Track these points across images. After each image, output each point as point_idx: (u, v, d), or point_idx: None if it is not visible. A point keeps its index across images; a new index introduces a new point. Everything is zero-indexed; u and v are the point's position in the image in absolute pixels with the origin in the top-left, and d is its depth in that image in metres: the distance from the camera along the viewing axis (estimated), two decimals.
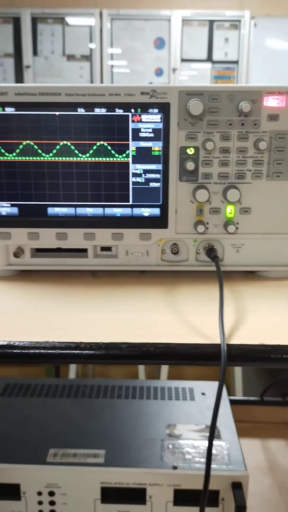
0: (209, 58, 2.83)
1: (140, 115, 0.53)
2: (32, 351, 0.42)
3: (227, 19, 2.77)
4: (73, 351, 0.42)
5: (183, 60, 2.83)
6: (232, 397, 0.97)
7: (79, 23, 2.79)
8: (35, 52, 2.83)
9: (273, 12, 2.75)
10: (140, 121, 0.53)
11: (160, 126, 0.54)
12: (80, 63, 2.85)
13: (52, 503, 0.69)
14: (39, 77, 2.85)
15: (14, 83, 0.53)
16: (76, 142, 0.54)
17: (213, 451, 0.71)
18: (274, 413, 1.03)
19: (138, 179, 0.55)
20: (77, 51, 2.84)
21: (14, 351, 0.42)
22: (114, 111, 0.53)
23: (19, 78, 2.86)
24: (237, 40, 2.80)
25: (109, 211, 0.57)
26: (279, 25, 2.76)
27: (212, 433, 0.41)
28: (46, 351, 0.42)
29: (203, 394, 0.86)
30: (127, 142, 0.54)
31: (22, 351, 0.42)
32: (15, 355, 0.42)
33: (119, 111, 0.53)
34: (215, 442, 0.73)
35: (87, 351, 0.42)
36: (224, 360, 0.40)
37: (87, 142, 0.54)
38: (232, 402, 0.88)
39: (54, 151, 0.54)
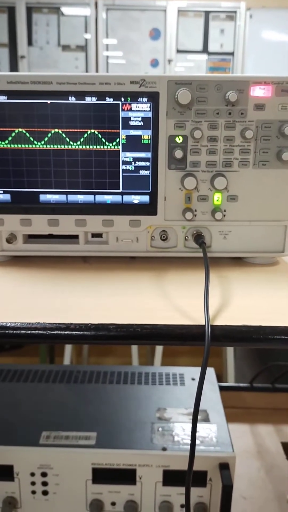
0: (205, 50, 2.83)
1: (130, 104, 0.54)
2: (24, 331, 0.43)
3: (223, 10, 2.77)
4: (63, 332, 0.44)
5: (178, 51, 2.83)
6: (222, 384, 0.99)
7: (75, 13, 2.78)
8: (30, 42, 2.82)
9: (269, 3, 2.75)
10: (130, 110, 0.55)
11: (149, 115, 0.55)
12: (75, 53, 2.84)
13: (44, 483, 0.70)
14: (34, 68, 2.84)
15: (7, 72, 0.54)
16: (68, 130, 0.55)
17: (202, 434, 0.73)
18: (263, 399, 1.05)
19: (128, 167, 0.57)
20: (72, 42, 2.82)
21: (7, 331, 0.43)
22: (105, 100, 0.54)
23: (13, 68, 2.84)
24: (233, 32, 2.80)
25: (99, 198, 0.58)
26: (274, 16, 2.76)
27: (197, 408, 0.43)
28: (37, 331, 0.44)
29: (193, 379, 0.88)
30: (117, 131, 0.55)
31: (14, 331, 0.43)
32: (7, 335, 0.43)
33: (109, 100, 0.54)
34: (204, 425, 0.75)
35: (76, 332, 0.44)
36: (208, 340, 0.42)
37: (78, 130, 0.55)
38: (222, 389, 0.89)
39: (46, 138, 0.56)
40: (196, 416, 0.44)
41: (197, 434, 0.73)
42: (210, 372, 0.91)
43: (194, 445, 0.47)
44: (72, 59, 2.85)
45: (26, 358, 2.35)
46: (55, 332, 0.43)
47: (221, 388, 0.87)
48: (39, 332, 0.43)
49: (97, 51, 2.82)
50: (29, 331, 0.43)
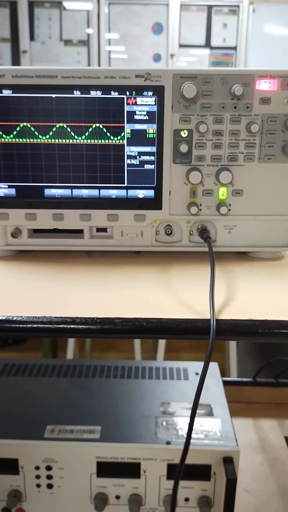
0: (208, 44, 2.81)
1: (135, 98, 0.54)
2: (30, 325, 0.44)
3: (225, 4, 2.75)
4: (69, 326, 0.44)
5: (181, 45, 2.81)
6: (226, 378, 0.99)
7: (77, 8, 2.77)
8: (32, 37, 2.81)
9: None
10: (135, 104, 0.55)
11: (155, 108, 0.55)
12: (77, 48, 2.83)
13: (49, 477, 0.71)
14: (36, 62, 2.83)
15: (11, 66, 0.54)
16: (72, 124, 0.55)
17: (206, 428, 0.73)
18: (266, 393, 1.05)
19: (133, 161, 0.57)
20: (74, 36, 2.81)
21: (13, 325, 0.43)
22: (110, 94, 0.54)
23: (15, 63, 2.83)
24: (236, 26, 2.78)
25: (104, 192, 0.58)
26: (277, 11, 2.74)
27: (197, 399, 0.43)
28: (44, 325, 0.44)
29: (197, 374, 0.88)
30: (122, 125, 0.55)
31: (21, 325, 0.44)
32: (13, 329, 0.43)
33: (114, 94, 0.54)
34: (208, 419, 0.75)
35: (82, 326, 0.44)
36: (213, 334, 0.42)
37: (83, 124, 0.55)
38: (226, 383, 0.90)
39: (51, 133, 0.55)
40: (195, 407, 0.44)
41: (202, 428, 0.73)
42: (214, 367, 0.91)
43: (190, 432, 0.47)
44: (74, 54, 2.84)
45: (29, 353, 2.36)
46: (61, 326, 0.44)
47: (225, 383, 0.87)
48: (46, 326, 0.43)
49: (99, 45, 2.80)
50: (35, 325, 0.43)
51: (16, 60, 2.84)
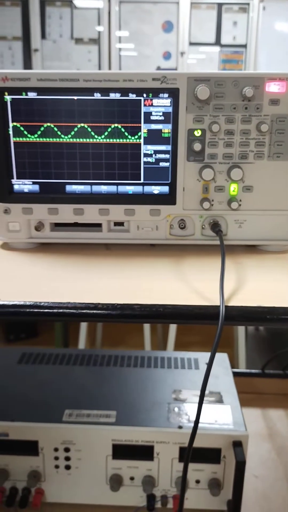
0: (218, 42, 2.82)
1: (151, 100, 0.58)
2: (56, 310, 0.47)
3: (235, 2, 2.76)
4: (92, 311, 0.47)
5: (191, 43, 2.83)
6: (235, 370, 1.02)
7: (87, 6, 2.79)
8: (43, 36, 2.84)
9: None
10: (152, 105, 0.58)
11: (170, 110, 0.58)
12: (88, 46, 2.85)
13: (67, 458, 0.75)
14: (47, 61, 2.86)
15: (31, 69, 0.57)
16: (93, 124, 0.59)
17: (217, 414, 0.77)
18: (274, 384, 1.08)
19: (149, 159, 0.60)
20: (85, 34, 2.84)
21: (41, 310, 0.47)
22: (128, 96, 0.58)
23: (27, 61, 2.87)
24: (246, 24, 2.79)
25: (122, 188, 0.62)
26: None
27: (206, 379, 0.46)
28: (69, 310, 0.47)
29: (207, 363, 0.91)
30: (139, 125, 0.59)
31: (47, 310, 0.47)
32: (41, 314, 0.47)
33: (132, 96, 0.58)
34: (218, 406, 0.79)
35: (104, 311, 0.47)
36: (222, 318, 0.45)
37: (103, 124, 0.59)
38: (235, 374, 0.93)
39: (72, 133, 0.59)
40: (204, 388, 0.48)
41: (212, 414, 0.76)
42: (224, 357, 0.95)
43: (199, 413, 0.50)
44: (85, 52, 2.87)
45: (41, 347, 2.40)
46: (84, 311, 0.47)
47: (234, 374, 0.90)
48: (71, 311, 0.47)
49: (109, 43, 2.83)
50: (61, 310, 0.47)
51: (27, 59, 2.88)
